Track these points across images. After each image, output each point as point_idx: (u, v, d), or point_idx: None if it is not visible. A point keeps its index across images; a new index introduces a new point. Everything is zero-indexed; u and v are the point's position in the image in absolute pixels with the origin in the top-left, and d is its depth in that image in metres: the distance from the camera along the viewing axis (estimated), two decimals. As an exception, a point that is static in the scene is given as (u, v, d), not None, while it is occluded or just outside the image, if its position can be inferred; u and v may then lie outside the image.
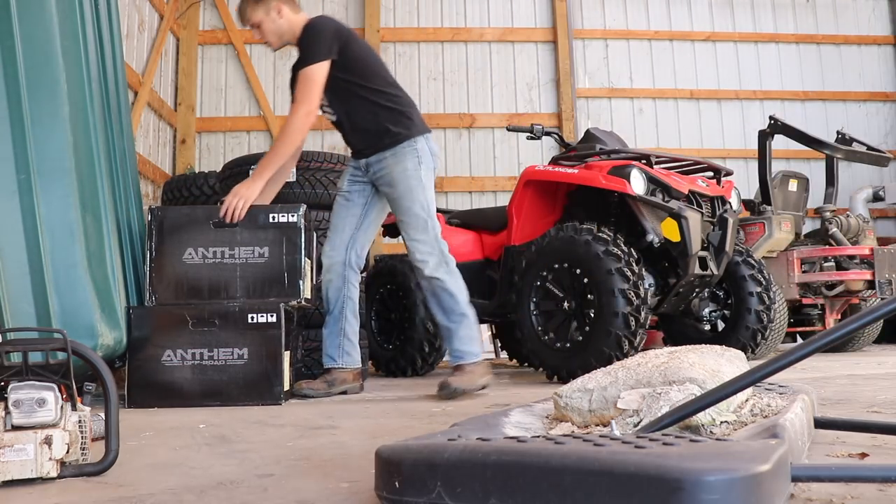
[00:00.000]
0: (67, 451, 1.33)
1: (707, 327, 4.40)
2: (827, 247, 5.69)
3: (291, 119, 2.91)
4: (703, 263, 3.77)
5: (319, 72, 2.92)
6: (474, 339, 3.04)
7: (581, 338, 3.41)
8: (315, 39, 2.96)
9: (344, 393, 3.13)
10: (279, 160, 2.94)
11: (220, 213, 2.87)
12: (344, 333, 3.15)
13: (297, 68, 2.99)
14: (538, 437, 1.00)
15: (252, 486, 1.24)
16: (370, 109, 3.04)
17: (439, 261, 3.01)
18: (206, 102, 7.29)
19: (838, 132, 5.88)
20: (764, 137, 5.66)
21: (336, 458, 1.51)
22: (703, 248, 3.76)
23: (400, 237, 4.91)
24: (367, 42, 3.32)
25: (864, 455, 1.34)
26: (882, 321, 5.88)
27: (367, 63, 3.09)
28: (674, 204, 3.62)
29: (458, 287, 3.03)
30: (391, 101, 3.06)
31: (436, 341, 4.50)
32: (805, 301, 5.75)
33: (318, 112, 2.99)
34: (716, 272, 3.84)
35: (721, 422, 1.27)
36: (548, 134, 4.17)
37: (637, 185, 3.51)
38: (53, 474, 1.31)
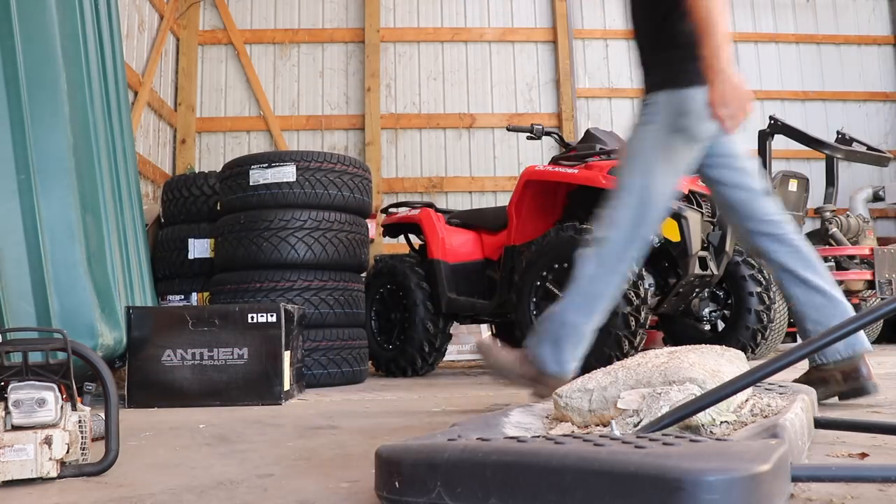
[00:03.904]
0: (67, 451, 1.33)
1: (707, 327, 4.40)
2: (827, 247, 5.69)
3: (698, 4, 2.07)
4: (703, 263, 3.77)
5: None
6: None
7: (581, 338, 3.40)
8: None
9: None
10: (721, 41, 2.13)
11: (728, 131, 2.12)
12: None
13: None
14: (538, 437, 1.00)
15: (252, 486, 1.24)
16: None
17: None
18: (206, 102, 7.29)
19: (838, 132, 5.88)
20: (764, 137, 5.66)
21: (336, 458, 1.51)
22: (703, 248, 3.77)
23: (400, 237, 4.97)
24: None
25: (864, 455, 1.34)
26: (882, 321, 5.89)
27: None
28: (674, 204, 3.62)
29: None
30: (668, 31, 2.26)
31: (436, 341, 4.50)
32: (805, 301, 5.74)
33: None
34: (716, 272, 3.84)
35: (721, 422, 1.27)
36: (548, 134, 4.17)
37: (637, 185, 3.51)
38: (53, 474, 1.31)
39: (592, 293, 2.19)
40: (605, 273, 2.18)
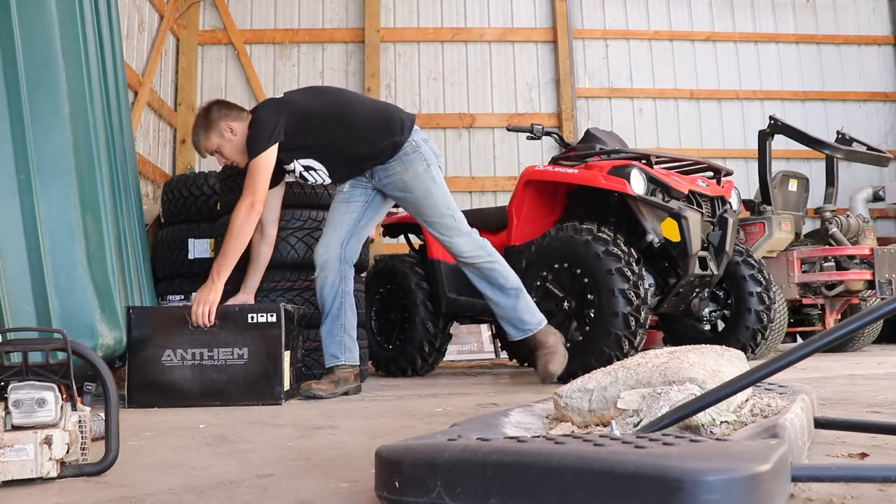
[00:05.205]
0: (67, 451, 1.33)
1: (707, 327, 4.40)
2: (827, 247, 5.69)
3: (234, 215, 2.87)
4: (703, 263, 3.77)
5: (263, 162, 2.91)
6: (534, 309, 3.21)
7: (581, 338, 3.41)
8: (254, 132, 2.94)
9: (346, 394, 3.12)
10: (231, 260, 2.90)
11: (190, 321, 2.82)
12: (344, 329, 3.13)
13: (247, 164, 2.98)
14: (538, 437, 1.00)
15: (252, 486, 1.24)
16: (357, 148, 3.04)
17: (476, 247, 3.12)
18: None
19: (838, 132, 5.88)
20: (764, 137, 5.67)
21: (336, 458, 1.51)
22: (703, 248, 3.76)
23: (400, 237, 4.97)
24: (318, 88, 3.19)
25: (864, 455, 1.34)
26: (882, 321, 5.89)
27: (329, 112, 3.06)
28: (674, 204, 3.62)
29: (502, 264, 3.16)
30: (372, 126, 3.04)
31: (436, 341, 4.50)
32: (805, 301, 5.75)
33: (262, 203, 2.91)
34: (716, 272, 3.84)
35: (721, 422, 1.27)
36: (548, 134, 4.17)
37: (637, 185, 3.51)
38: (53, 474, 1.31)
39: (501, 277, 3.15)
40: (499, 265, 3.16)
